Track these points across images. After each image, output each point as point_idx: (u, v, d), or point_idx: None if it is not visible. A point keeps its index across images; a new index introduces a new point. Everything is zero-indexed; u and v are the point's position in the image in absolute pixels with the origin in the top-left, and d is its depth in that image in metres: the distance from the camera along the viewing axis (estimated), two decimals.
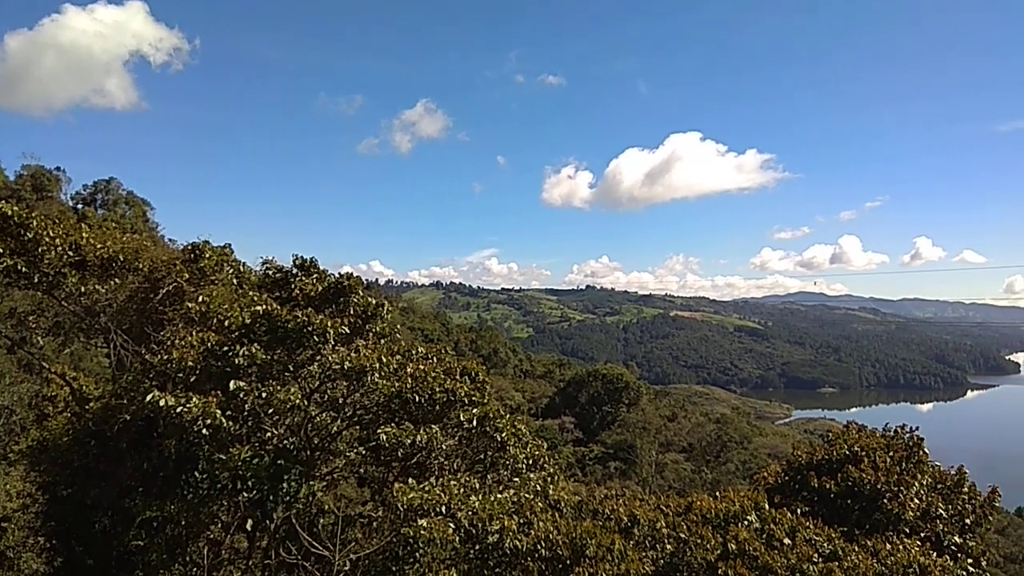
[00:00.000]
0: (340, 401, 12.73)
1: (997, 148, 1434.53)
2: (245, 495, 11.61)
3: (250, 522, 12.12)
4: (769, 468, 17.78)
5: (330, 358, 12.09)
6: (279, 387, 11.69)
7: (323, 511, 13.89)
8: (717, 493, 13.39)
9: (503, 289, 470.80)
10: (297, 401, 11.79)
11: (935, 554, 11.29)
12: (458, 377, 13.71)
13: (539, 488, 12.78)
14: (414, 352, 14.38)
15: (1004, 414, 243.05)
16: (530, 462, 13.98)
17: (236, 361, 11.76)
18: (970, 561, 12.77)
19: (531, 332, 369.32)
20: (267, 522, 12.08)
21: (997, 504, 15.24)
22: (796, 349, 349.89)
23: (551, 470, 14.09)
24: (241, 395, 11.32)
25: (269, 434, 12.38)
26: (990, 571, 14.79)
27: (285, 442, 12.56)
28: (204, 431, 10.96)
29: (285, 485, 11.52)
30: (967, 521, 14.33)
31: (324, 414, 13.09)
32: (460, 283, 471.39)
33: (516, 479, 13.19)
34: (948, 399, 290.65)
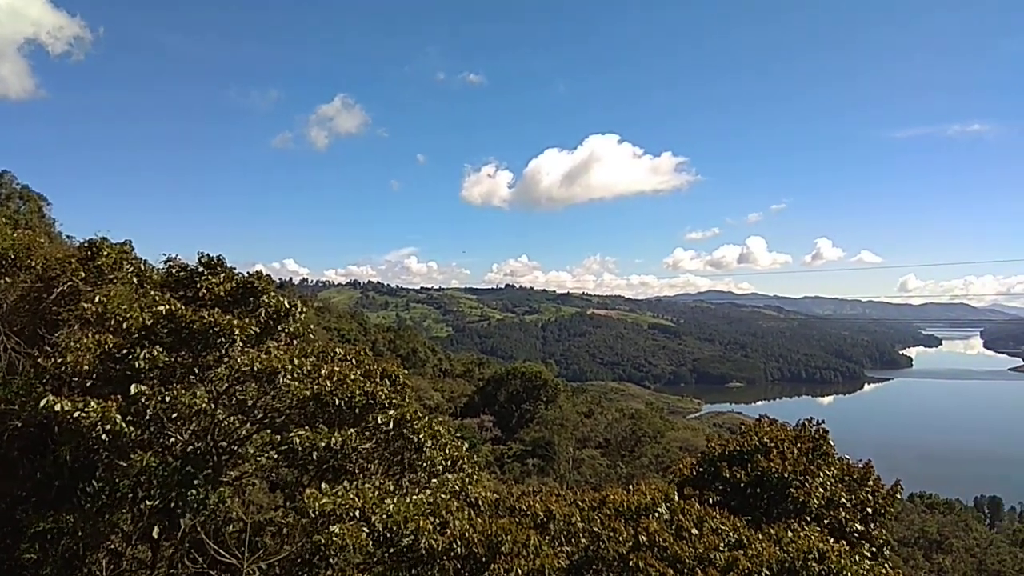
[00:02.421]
0: (249, 404, 12.39)
1: (893, 154, 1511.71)
2: (148, 503, 11.17)
3: (156, 530, 11.68)
4: (685, 460, 18.29)
5: (239, 360, 11.73)
6: (184, 390, 11.27)
7: (231, 518, 13.48)
8: (631, 486, 13.69)
9: (422, 288, 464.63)
10: (203, 405, 11.39)
11: (833, 540, 11.84)
12: (378, 380, 13.54)
13: (457, 488, 12.74)
14: (331, 353, 14.11)
15: (898, 406, 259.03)
16: (448, 463, 13.93)
17: (136, 364, 11.27)
18: (872, 548, 13.45)
19: (451, 331, 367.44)
20: (174, 531, 11.66)
21: (899, 496, 16.13)
22: (706, 346, 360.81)
23: (470, 470, 14.08)
24: (143, 399, 10.84)
25: (173, 439, 11.92)
26: (892, 558, 15.66)
27: (191, 447, 12.13)
28: (103, 437, 10.44)
29: (193, 491, 11.14)
30: (868, 510, 15.11)
31: (232, 418, 12.68)
32: (378, 282, 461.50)
33: (434, 480, 13.13)
34: (847, 392, 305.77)
